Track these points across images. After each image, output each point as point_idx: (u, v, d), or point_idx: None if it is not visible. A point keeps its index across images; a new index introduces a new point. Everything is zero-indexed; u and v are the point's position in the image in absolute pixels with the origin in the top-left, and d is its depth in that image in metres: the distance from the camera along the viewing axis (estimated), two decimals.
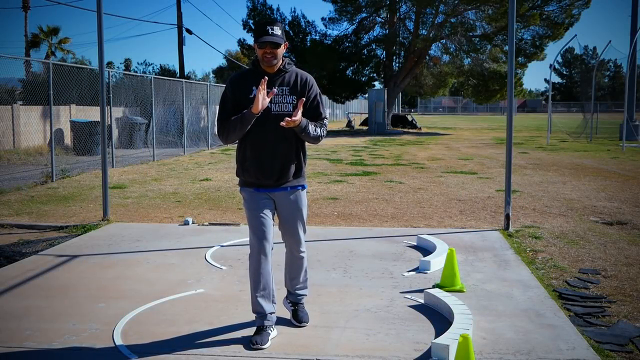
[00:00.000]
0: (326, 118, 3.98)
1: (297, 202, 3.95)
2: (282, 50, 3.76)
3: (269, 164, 3.79)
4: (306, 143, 3.99)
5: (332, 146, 22.47)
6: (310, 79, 3.92)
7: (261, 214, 3.84)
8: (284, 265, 4.20)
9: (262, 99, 3.64)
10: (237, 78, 3.88)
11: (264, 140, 3.79)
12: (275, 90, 3.73)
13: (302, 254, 4.08)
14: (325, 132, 3.94)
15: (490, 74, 34.30)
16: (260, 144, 3.80)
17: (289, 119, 3.64)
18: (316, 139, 3.87)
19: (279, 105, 3.77)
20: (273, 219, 3.96)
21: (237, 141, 3.90)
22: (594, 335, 4.01)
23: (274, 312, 3.92)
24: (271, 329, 3.87)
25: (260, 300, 3.86)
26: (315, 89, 3.92)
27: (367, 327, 4.08)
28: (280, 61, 3.81)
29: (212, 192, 10.62)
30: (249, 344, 3.75)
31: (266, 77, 3.66)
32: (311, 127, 3.81)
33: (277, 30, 3.71)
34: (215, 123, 3.89)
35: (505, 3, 26.42)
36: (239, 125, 3.71)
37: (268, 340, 3.77)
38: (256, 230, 3.83)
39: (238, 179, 4.01)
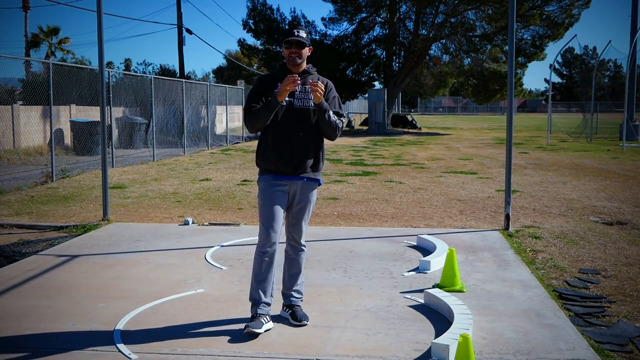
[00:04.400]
0: (344, 116, 4.23)
1: (309, 195, 4.14)
2: (306, 52, 4.08)
3: (288, 152, 4.02)
4: (324, 142, 4.20)
5: (332, 146, 22.47)
6: (330, 83, 4.22)
7: (273, 206, 4.04)
8: (283, 264, 4.27)
9: (290, 88, 3.90)
10: (265, 77, 4.22)
11: (285, 131, 4.04)
12: (299, 80, 3.95)
13: (302, 247, 4.23)
14: (342, 125, 4.17)
15: (490, 74, 34.32)
16: (282, 134, 4.04)
17: (316, 82, 3.92)
18: (334, 129, 4.09)
19: (301, 101, 4.07)
20: (284, 215, 4.14)
21: (260, 133, 4.14)
22: (594, 335, 4.01)
23: (269, 304, 4.06)
24: (265, 318, 4.00)
25: (259, 288, 4.04)
26: (335, 92, 4.22)
27: (367, 327, 4.08)
28: (305, 63, 4.13)
29: (212, 192, 10.62)
30: (244, 329, 3.88)
31: (296, 77, 3.91)
32: (332, 114, 4.07)
33: (303, 33, 4.06)
34: (242, 112, 4.10)
35: (505, 3, 26.43)
36: (265, 111, 3.97)
37: (262, 326, 3.92)
38: (266, 220, 4.03)
39: (257, 169, 4.22)
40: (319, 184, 4.20)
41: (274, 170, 4.06)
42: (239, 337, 3.90)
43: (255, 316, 3.98)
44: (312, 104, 4.04)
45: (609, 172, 13.58)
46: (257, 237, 4.13)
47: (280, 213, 4.06)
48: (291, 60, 4.04)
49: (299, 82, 3.91)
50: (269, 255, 4.02)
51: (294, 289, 4.23)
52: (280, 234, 4.09)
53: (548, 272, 5.50)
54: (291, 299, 4.22)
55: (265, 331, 3.95)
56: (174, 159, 17.53)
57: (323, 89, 3.98)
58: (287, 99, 4.01)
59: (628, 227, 7.52)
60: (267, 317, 4.02)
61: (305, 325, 4.09)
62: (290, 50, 4.03)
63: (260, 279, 4.02)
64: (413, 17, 35.07)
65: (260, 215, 4.09)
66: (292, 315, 4.14)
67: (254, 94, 4.09)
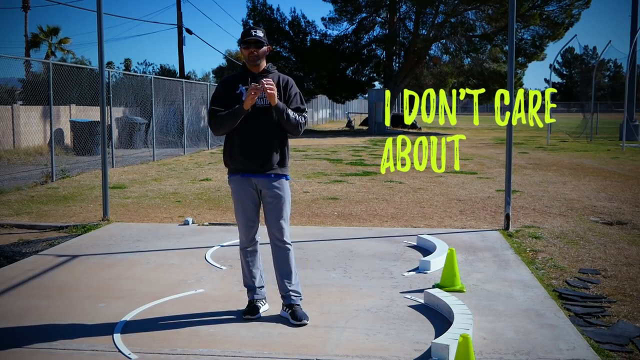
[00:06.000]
0: (306, 111, 4.33)
1: (280, 191, 4.21)
2: (264, 51, 4.18)
3: (254, 150, 4.13)
4: (289, 141, 4.32)
5: (332, 146, 22.47)
6: (291, 80, 4.34)
7: (247, 205, 4.22)
8: (273, 266, 4.32)
9: (252, 99, 4.01)
10: (227, 78, 4.35)
11: (249, 129, 4.14)
12: (261, 87, 4.03)
13: (286, 245, 4.26)
14: (304, 121, 4.25)
15: (490, 74, 34.31)
16: (246, 133, 4.14)
17: (270, 85, 3.99)
18: (296, 126, 4.17)
19: (263, 100, 4.14)
20: (259, 212, 4.29)
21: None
22: (594, 335, 4.01)
23: (263, 287, 4.38)
24: (262, 302, 4.34)
25: (250, 276, 4.32)
26: (296, 88, 4.31)
27: (367, 327, 4.08)
28: (264, 62, 4.23)
29: (212, 192, 10.62)
30: (242, 316, 4.22)
31: (257, 85, 3.99)
32: (290, 112, 4.15)
33: (260, 33, 4.17)
34: (208, 117, 4.34)
35: (505, 3, 26.43)
36: (231, 119, 4.08)
37: (259, 312, 4.25)
38: (243, 220, 4.24)
39: (227, 168, 4.34)
40: (287, 179, 4.28)
41: (241, 169, 4.18)
42: (239, 336, 3.91)
43: (252, 302, 4.30)
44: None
45: (609, 172, 13.58)
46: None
47: (253, 210, 4.23)
48: (250, 61, 4.14)
49: (260, 89, 3.99)
50: (252, 251, 4.31)
51: (290, 289, 4.24)
52: (258, 229, 4.29)
53: (548, 272, 5.50)
54: (290, 298, 4.24)
55: (263, 312, 4.29)
56: (174, 159, 17.53)
57: (275, 89, 4.02)
58: None
59: (628, 227, 7.52)
60: (263, 300, 4.36)
61: (306, 324, 4.09)
62: (249, 50, 4.12)
63: (249, 269, 4.31)
64: (413, 17, 35.09)
65: (236, 215, 4.28)
66: (292, 315, 4.15)
67: (218, 95, 4.20)
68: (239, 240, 4.38)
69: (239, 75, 4.24)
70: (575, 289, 5.02)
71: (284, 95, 4.22)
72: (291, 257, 4.28)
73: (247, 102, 4.00)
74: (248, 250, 4.31)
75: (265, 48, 4.16)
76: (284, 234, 4.22)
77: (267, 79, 4.04)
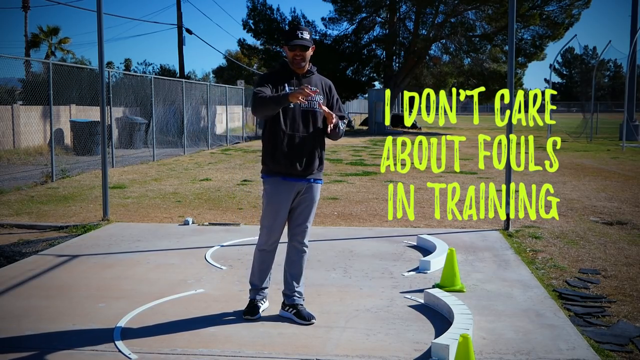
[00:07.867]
0: (346, 118, 4.36)
1: (314, 195, 4.22)
2: (309, 53, 4.11)
3: (298, 154, 4.08)
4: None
5: (332, 146, 22.46)
6: (332, 84, 4.35)
7: (280, 209, 4.14)
8: (284, 264, 4.32)
9: (303, 99, 3.86)
10: (268, 75, 4.21)
11: (294, 133, 4.08)
12: (314, 89, 3.92)
13: (304, 248, 4.28)
14: (344, 127, 4.31)
15: (490, 74, 34.31)
16: (291, 136, 4.08)
17: (333, 118, 4.04)
18: (340, 135, 4.25)
19: (308, 102, 4.10)
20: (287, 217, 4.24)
21: (266, 132, 4.14)
22: (594, 335, 4.01)
23: (267, 288, 4.36)
24: (262, 302, 4.34)
25: (259, 276, 4.28)
26: (336, 93, 4.34)
27: (367, 327, 4.08)
28: (308, 64, 4.16)
29: (212, 192, 10.62)
30: (242, 316, 4.22)
31: (311, 88, 3.85)
32: (341, 124, 4.22)
33: (306, 35, 4.08)
34: (252, 98, 4.18)
35: (505, 3, 26.43)
36: (274, 104, 3.93)
37: (259, 312, 4.25)
38: (271, 222, 4.16)
39: (263, 167, 4.23)
40: (321, 183, 4.29)
41: (283, 172, 4.10)
42: (239, 336, 3.91)
43: (253, 301, 4.27)
44: (317, 106, 4.10)
45: (609, 172, 13.58)
46: (257, 237, 4.27)
47: (285, 215, 4.18)
48: (295, 63, 4.09)
49: (312, 95, 3.88)
50: (270, 252, 4.26)
51: (297, 290, 4.27)
52: (281, 235, 4.23)
53: (548, 272, 5.50)
54: (294, 298, 4.25)
55: (262, 311, 4.29)
56: (174, 159, 17.53)
57: (336, 118, 4.07)
58: None
59: (628, 227, 7.52)
60: (264, 300, 4.35)
61: (314, 323, 4.12)
62: (294, 53, 4.06)
63: (261, 269, 4.28)
64: (413, 17, 35.09)
65: (265, 216, 4.18)
66: (298, 315, 4.17)
67: (262, 82, 4.08)
68: (257, 239, 4.28)
69: (281, 74, 4.14)
70: (575, 289, 5.03)
71: (328, 100, 4.21)
72: (305, 259, 4.31)
73: (295, 96, 3.81)
74: (265, 251, 4.25)
75: (310, 50, 4.08)
76: (306, 236, 4.25)
77: (313, 90, 3.86)
